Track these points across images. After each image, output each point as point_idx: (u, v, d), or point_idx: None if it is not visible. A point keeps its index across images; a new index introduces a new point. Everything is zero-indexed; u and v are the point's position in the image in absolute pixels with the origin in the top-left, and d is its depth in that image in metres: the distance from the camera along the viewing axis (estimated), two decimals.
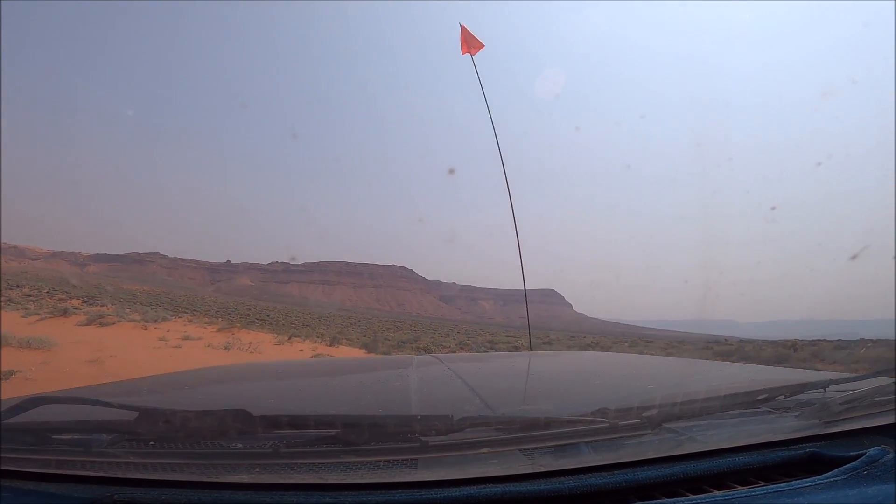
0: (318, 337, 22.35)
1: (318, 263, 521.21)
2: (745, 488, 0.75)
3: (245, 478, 0.74)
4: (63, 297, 41.13)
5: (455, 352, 23.26)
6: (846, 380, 1.09)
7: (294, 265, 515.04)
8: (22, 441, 0.82)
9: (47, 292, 46.74)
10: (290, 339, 16.56)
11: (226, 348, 11.68)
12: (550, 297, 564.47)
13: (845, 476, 0.74)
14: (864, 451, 0.78)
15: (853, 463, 0.76)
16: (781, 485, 0.75)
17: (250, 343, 13.91)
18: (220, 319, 28.65)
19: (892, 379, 1.02)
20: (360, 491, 0.72)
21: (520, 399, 1.47)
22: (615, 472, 0.76)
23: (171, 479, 0.75)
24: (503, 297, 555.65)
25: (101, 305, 33.75)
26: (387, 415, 1.07)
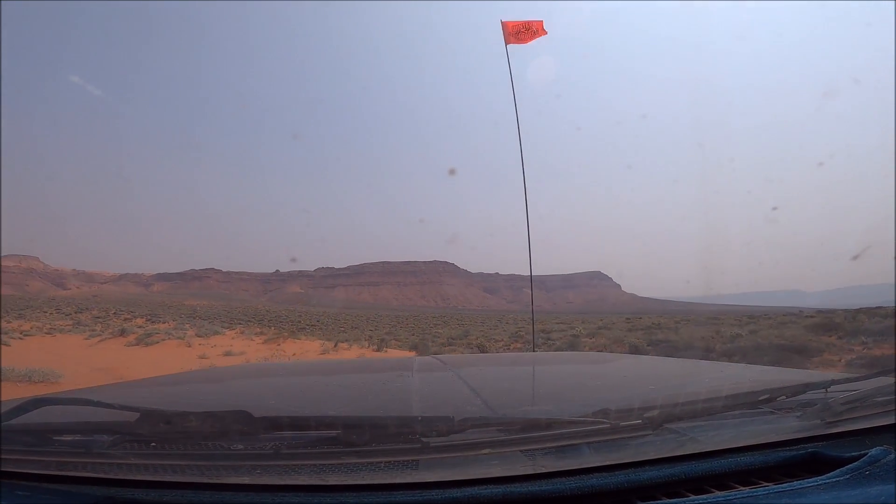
0: (365, 341, 21.91)
1: (361, 265, 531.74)
2: (747, 489, 0.75)
3: (246, 479, 0.74)
4: (129, 316, 43.44)
5: (509, 345, 22.30)
6: (848, 380, 1.08)
7: (339, 269, 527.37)
8: (23, 442, 0.82)
9: (114, 313, 49.76)
10: (336, 346, 16.07)
11: None
12: (597, 279, 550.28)
13: (847, 476, 0.73)
14: (866, 452, 0.77)
15: (855, 463, 0.76)
16: (783, 485, 0.75)
17: (293, 355, 13.55)
18: (270, 329, 28.92)
19: (894, 379, 1.02)
20: (361, 492, 0.72)
21: (521, 400, 1.45)
22: (617, 472, 0.76)
23: (172, 480, 0.75)
24: (547, 283, 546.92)
25: (163, 322, 35.08)
26: (388, 416, 1.07)
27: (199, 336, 20.63)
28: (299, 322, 52.85)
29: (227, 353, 14.03)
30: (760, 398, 1.01)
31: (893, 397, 0.92)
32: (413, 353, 16.90)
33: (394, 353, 15.94)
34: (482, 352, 16.78)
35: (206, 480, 0.75)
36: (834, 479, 0.73)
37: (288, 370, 2.16)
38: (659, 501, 0.73)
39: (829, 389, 1.04)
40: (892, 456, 0.76)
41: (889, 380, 1.03)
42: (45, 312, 47.72)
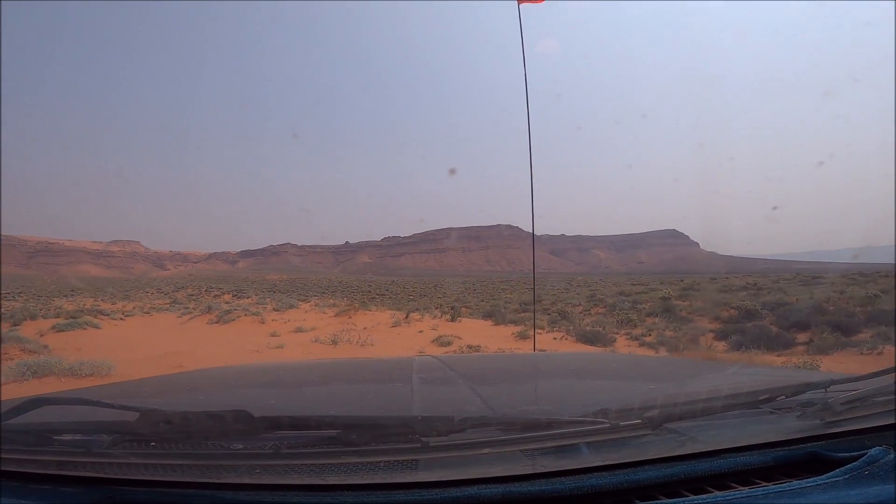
0: (436, 309, 21.32)
1: (426, 233, 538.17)
2: (747, 489, 0.75)
3: (246, 478, 0.74)
4: (217, 293, 46.72)
5: (589, 309, 20.81)
6: (848, 380, 1.07)
7: (405, 238, 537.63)
8: (23, 442, 0.83)
9: (206, 290, 53.92)
10: (407, 317, 15.36)
11: (333, 343, 10.69)
12: (671, 237, 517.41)
13: (847, 476, 0.73)
14: (866, 451, 0.77)
15: (854, 463, 0.76)
16: (783, 485, 0.75)
17: (364, 329, 12.94)
18: (343, 299, 29.31)
19: (894, 379, 1.00)
20: (361, 492, 0.72)
21: (521, 400, 1.45)
22: (616, 472, 0.76)
23: (171, 479, 0.75)
24: (617, 243, 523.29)
25: (247, 297, 37.01)
26: (388, 415, 1.08)
27: (276, 310, 21.01)
28: (369, 292, 54.14)
29: (298, 330, 13.60)
30: (760, 398, 1.00)
31: (893, 397, 0.91)
32: (489, 324, 15.93)
33: (469, 327, 15.06)
34: (563, 318, 15.54)
35: (206, 480, 0.75)
36: (833, 479, 0.73)
37: (288, 370, 2.14)
38: (658, 501, 0.73)
39: (828, 389, 1.03)
40: (892, 456, 0.76)
41: (889, 380, 1.01)
42: (148, 292, 52.65)
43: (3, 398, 1.17)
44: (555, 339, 12.22)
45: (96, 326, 13.50)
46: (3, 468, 0.77)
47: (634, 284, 41.14)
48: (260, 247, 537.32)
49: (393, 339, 12.23)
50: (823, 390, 1.03)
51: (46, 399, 0.97)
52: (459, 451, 0.81)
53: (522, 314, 17.99)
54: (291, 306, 21.87)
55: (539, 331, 12.44)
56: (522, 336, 12.61)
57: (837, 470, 0.75)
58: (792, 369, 1.85)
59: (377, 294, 50.49)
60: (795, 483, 0.74)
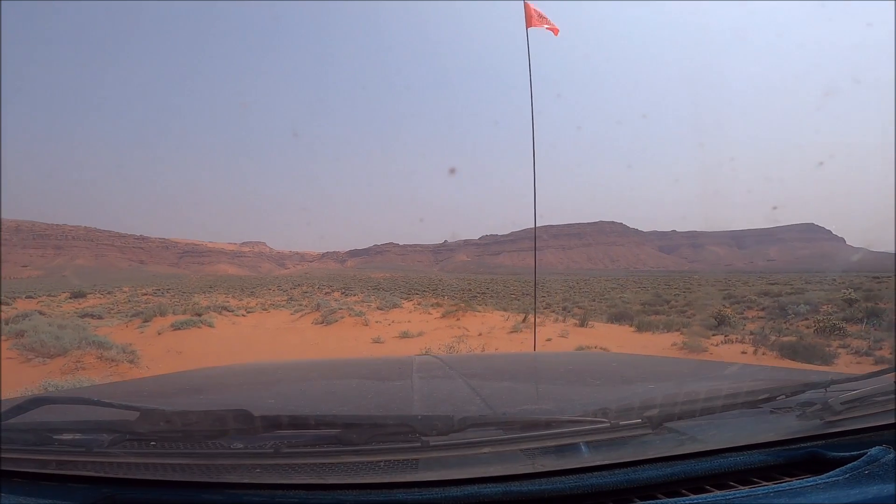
0: (550, 310, 19.18)
1: (524, 231, 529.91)
2: (747, 488, 0.75)
3: (246, 478, 0.74)
4: (329, 290, 49.34)
5: (742, 313, 17.34)
6: (848, 379, 1.07)
7: (502, 236, 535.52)
8: (23, 441, 0.82)
9: (318, 287, 57.50)
10: (525, 320, 13.39)
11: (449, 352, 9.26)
12: (810, 232, 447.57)
13: (846, 476, 0.73)
14: (866, 451, 0.77)
15: (854, 462, 0.76)
16: (783, 484, 0.75)
17: (479, 336, 11.34)
18: (444, 298, 28.37)
19: (894, 379, 1.01)
20: (361, 491, 0.72)
21: (521, 399, 1.45)
22: (616, 471, 0.76)
23: (171, 479, 0.75)
24: (738, 238, 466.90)
25: (354, 295, 38.03)
26: (388, 415, 1.08)
27: (380, 309, 20.76)
28: (470, 290, 53.33)
29: (403, 335, 11.92)
30: (760, 398, 1.00)
31: (893, 397, 0.91)
32: (627, 327, 13.58)
33: (601, 329, 12.82)
34: (722, 323, 12.55)
35: (206, 479, 0.74)
36: (833, 479, 0.73)
37: (288, 369, 2.12)
38: (658, 501, 0.73)
39: (828, 389, 1.03)
40: (892, 455, 0.76)
41: (889, 379, 1.02)
42: (270, 289, 57.37)
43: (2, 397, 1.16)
44: (743, 353, 8.98)
45: (210, 325, 13.69)
46: (3, 467, 0.77)
47: (772, 284, 35.09)
48: (366, 246, 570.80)
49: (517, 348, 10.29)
50: (823, 390, 1.02)
51: (46, 398, 0.97)
52: (459, 451, 0.80)
53: (656, 317, 15.27)
54: (395, 305, 21.37)
55: (705, 341, 9.84)
56: (692, 348, 9.30)
57: (837, 469, 0.75)
58: (792, 369, 1.78)
59: (478, 292, 49.38)
60: (795, 482, 0.74)
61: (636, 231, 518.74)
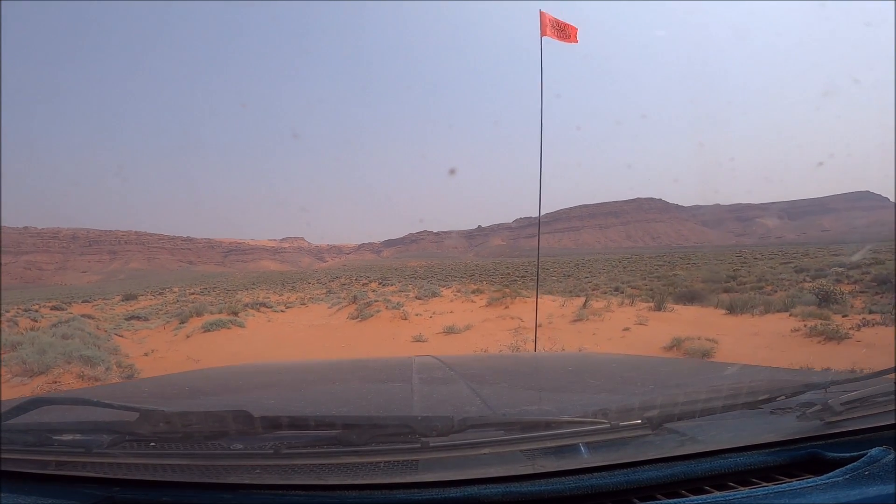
0: (614, 295, 17.55)
1: (558, 212, 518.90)
2: (746, 489, 0.75)
3: (246, 479, 0.74)
4: (365, 281, 49.18)
5: (835, 286, 15.31)
6: (848, 380, 1.07)
7: (536, 218, 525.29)
8: (22, 442, 0.82)
9: (356, 279, 57.59)
10: (586, 305, 11.80)
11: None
12: (866, 200, 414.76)
13: (846, 476, 0.73)
14: (866, 452, 0.77)
15: (854, 463, 0.76)
16: (783, 485, 0.75)
17: (539, 329, 9.50)
18: (483, 283, 27.13)
19: (894, 379, 1.01)
20: (361, 492, 0.72)
21: (520, 400, 1.44)
22: (616, 472, 0.76)
23: (171, 480, 0.75)
24: (790, 209, 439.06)
25: (391, 285, 37.38)
26: (387, 416, 1.08)
27: (418, 298, 19.87)
28: (508, 274, 51.92)
29: (448, 331, 10.33)
30: (760, 398, 1.00)
31: (893, 397, 0.91)
32: (712, 309, 11.80)
33: (683, 313, 11.06)
34: (828, 301, 10.58)
35: (205, 480, 0.74)
36: (833, 480, 0.73)
37: (288, 370, 2.12)
38: (658, 501, 0.73)
39: (828, 389, 1.02)
40: (892, 456, 0.76)
41: (889, 380, 1.02)
42: (309, 283, 57.91)
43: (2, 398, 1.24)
44: None
45: (240, 325, 13.02)
46: (2, 468, 0.76)
47: (835, 255, 32.01)
48: (400, 235, 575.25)
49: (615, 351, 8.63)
50: (823, 391, 1.01)
51: (46, 399, 0.98)
52: (459, 452, 0.80)
53: (727, 295, 13.44)
54: (434, 294, 20.37)
55: (836, 322, 7.95)
56: (827, 334, 7.34)
57: (837, 470, 0.75)
58: (792, 370, 1.63)
59: (517, 276, 47.90)
60: (795, 483, 0.74)
61: (677, 206, 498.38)
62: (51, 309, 31.15)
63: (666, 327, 9.15)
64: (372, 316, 13.06)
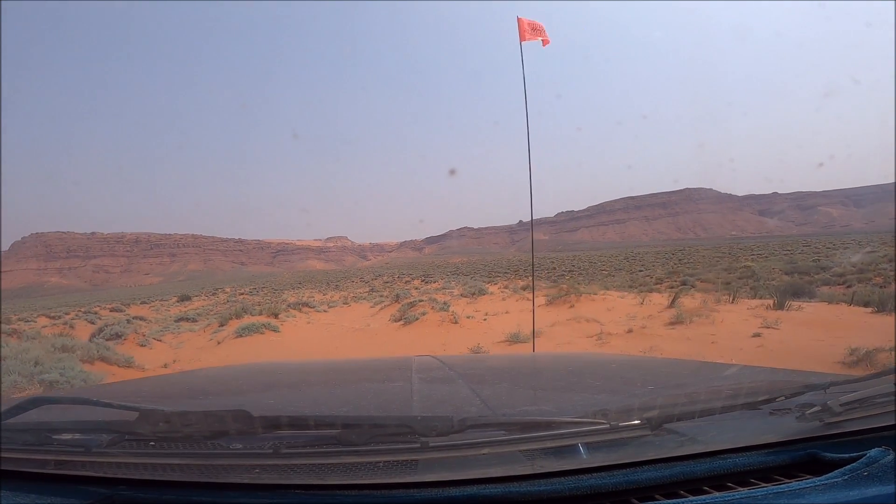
0: (687, 288, 15.49)
1: (601, 205, 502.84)
2: (746, 489, 0.75)
3: (245, 478, 0.74)
4: (408, 279, 48.61)
5: None
6: (847, 381, 1.05)
7: (579, 212, 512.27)
8: (22, 441, 0.83)
9: (398, 276, 57.26)
10: (673, 302, 9.79)
11: None
12: None
13: (846, 477, 0.73)
14: (865, 452, 0.77)
15: (853, 464, 0.75)
16: (782, 486, 0.75)
17: (629, 333, 8.10)
18: (527, 278, 25.40)
19: (893, 380, 0.99)
20: (360, 492, 0.72)
21: (520, 400, 1.43)
22: (615, 473, 0.76)
23: (171, 479, 0.76)
24: (857, 196, 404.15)
25: (434, 282, 36.35)
26: (387, 416, 1.08)
27: (464, 296, 18.72)
28: (554, 268, 49.83)
29: (513, 339, 8.45)
30: (760, 399, 0.99)
31: (892, 398, 0.90)
32: (845, 306, 9.70)
33: (811, 310, 8.74)
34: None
35: (205, 480, 0.75)
36: (832, 480, 0.73)
37: (287, 370, 2.13)
38: (658, 502, 0.73)
39: (828, 390, 1.02)
40: (891, 457, 0.76)
41: (888, 381, 1.01)
42: (353, 282, 58.11)
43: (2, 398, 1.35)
44: None
45: (275, 330, 12.01)
46: (2, 467, 0.77)
47: None
48: (441, 232, 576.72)
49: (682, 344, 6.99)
50: (823, 391, 1.01)
51: (46, 398, 0.98)
52: (459, 452, 0.80)
53: (837, 289, 11.23)
54: (481, 291, 19.03)
55: None
56: None
57: (836, 471, 0.75)
58: (791, 371, 1.51)
59: (564, 271, 45.72)
60: (795, 484, 0.74)
61: (729, 196, 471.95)
62: (110, 311, 32.45)
63: (807, 331, 7.28)
64: (417, 319, 11.56)
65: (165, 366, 7.56)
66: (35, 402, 0.92)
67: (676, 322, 8.48)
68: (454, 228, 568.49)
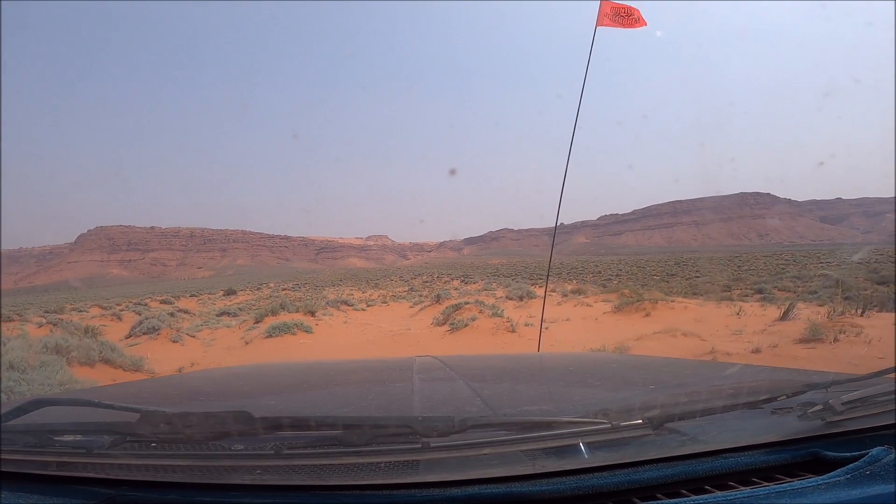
0: (765, 296, 13.42)
1: (647, 208, 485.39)
2: (747, 488, 0.75)
3: (246, 479, 0.74)
4: (447, 279, 47.62)
5: None
6: (849, 380, 1.05)
7: (623, 215, 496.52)
8: (23, 442, 0.83)
9: (437, 276, 56.37)
10: (786, 315, 8.04)
11: None
12: None
13: (847, 476, 0.73)
14: (867, 451, 0.77)
15: (855, 463, 0.75)
16: (784, 485, 0.74)
17: (755, 353, 6.43)
18: (574, 282, 23.67)
19: (894, 379, 1.00)
20: (362, 492, 0.72)
21: (521, 400, 1.43)
22: (617, 472, 0.76)
23: (172, 480, 0.76)
24: None
25: (473, 283, 35.10)
26: (388, 416, 1.08)
27: (510, 299, 17.53)
28: (600, 272, 47.38)
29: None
30: (761, 398, 0.99)
31: (894, 397, 0.91)
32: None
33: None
34: None
35: (206, 481, 0.75)
36: (834, 479, 0.73)
37: (288, 370, 2.12)
38: (659, 501, 0.73)
39: (829, 389, 1.02)
40: (893, 455, 0.76)
41: (890, 380, 1.02)
42: (392, 280, 57.65)
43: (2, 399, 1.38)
44: None
45: (307, 330, 10.99)
46: (3, 469, 0.77)
47: None
48: (480, 233, 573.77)
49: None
50: (824, 390, 1.02)
51: (47, 400, 0.99)
52: (460, 452, 0.80)
53: None
54: (530, 295, 17.66)
55: None
56: None
57: (838, 470, 0.75)
58: (793, 370, 1.53)
59: (611, 275, 43.25)
60: (796, 483, 0.74)
61: (788, 201, 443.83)
62: (160, 303, 33.25)
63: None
64: (466, 325, 9.93)
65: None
66: (36, 404, 0.92)
67: (811, 339, 6.70)
68: (494, 230, 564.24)
